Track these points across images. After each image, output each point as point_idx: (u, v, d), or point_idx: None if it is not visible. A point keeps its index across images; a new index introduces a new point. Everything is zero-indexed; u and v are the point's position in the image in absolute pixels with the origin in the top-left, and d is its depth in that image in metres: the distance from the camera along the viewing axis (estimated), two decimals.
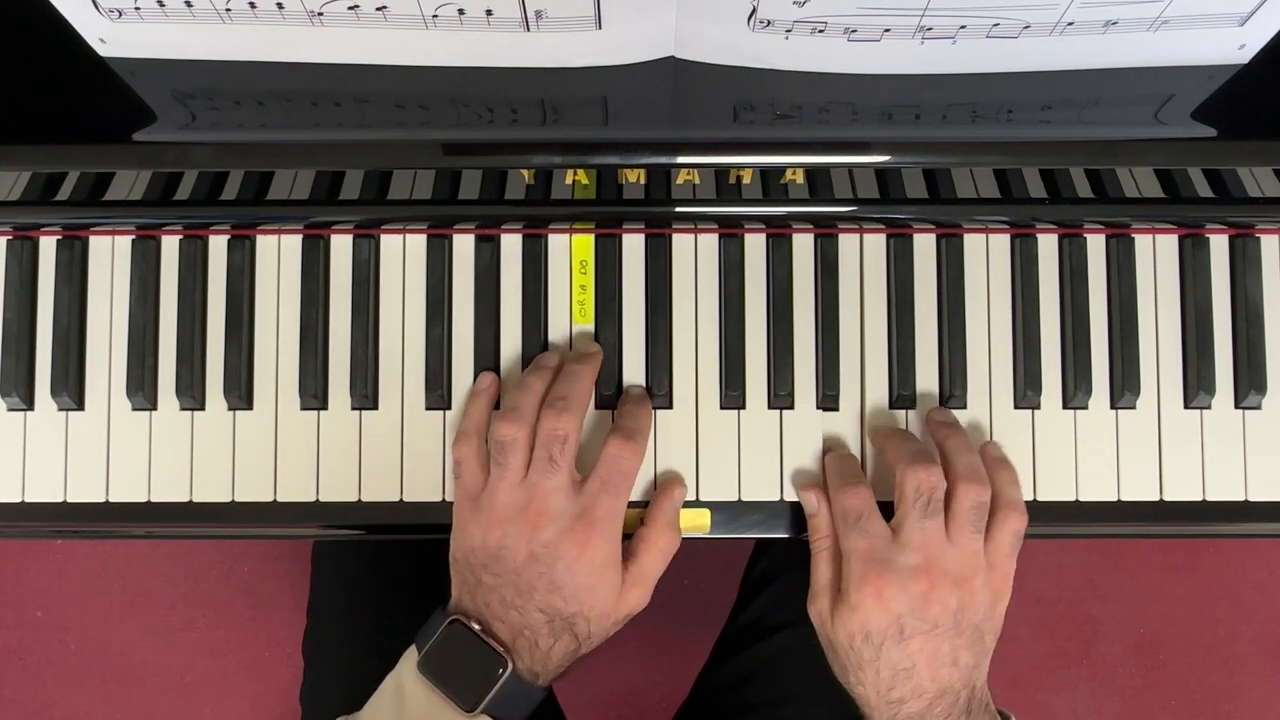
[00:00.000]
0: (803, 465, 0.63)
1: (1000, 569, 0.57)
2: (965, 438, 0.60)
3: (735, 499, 0.63)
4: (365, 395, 0.63)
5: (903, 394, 0.63)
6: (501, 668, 0.55)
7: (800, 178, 0.60)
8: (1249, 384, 0.63)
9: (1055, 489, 0.63)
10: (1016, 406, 0.63)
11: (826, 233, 0.64)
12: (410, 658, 0.57)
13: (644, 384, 0.63)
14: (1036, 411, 0.64)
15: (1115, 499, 0.63)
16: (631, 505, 0.59)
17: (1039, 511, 0.63)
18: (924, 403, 0.64)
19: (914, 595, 0.54)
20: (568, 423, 0.57)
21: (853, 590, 0.55)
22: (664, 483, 0.62)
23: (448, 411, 0.63)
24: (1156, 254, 0.64)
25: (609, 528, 0.57)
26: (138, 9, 0.52)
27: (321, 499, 0.63)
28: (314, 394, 0.63)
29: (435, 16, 0.52)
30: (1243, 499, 0.63)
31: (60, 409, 0.63)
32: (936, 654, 0.55)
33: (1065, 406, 0.64)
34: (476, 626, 0.56)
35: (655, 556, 0.59)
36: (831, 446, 0.63)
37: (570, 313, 0.64)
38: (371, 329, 0.63)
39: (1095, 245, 0.64)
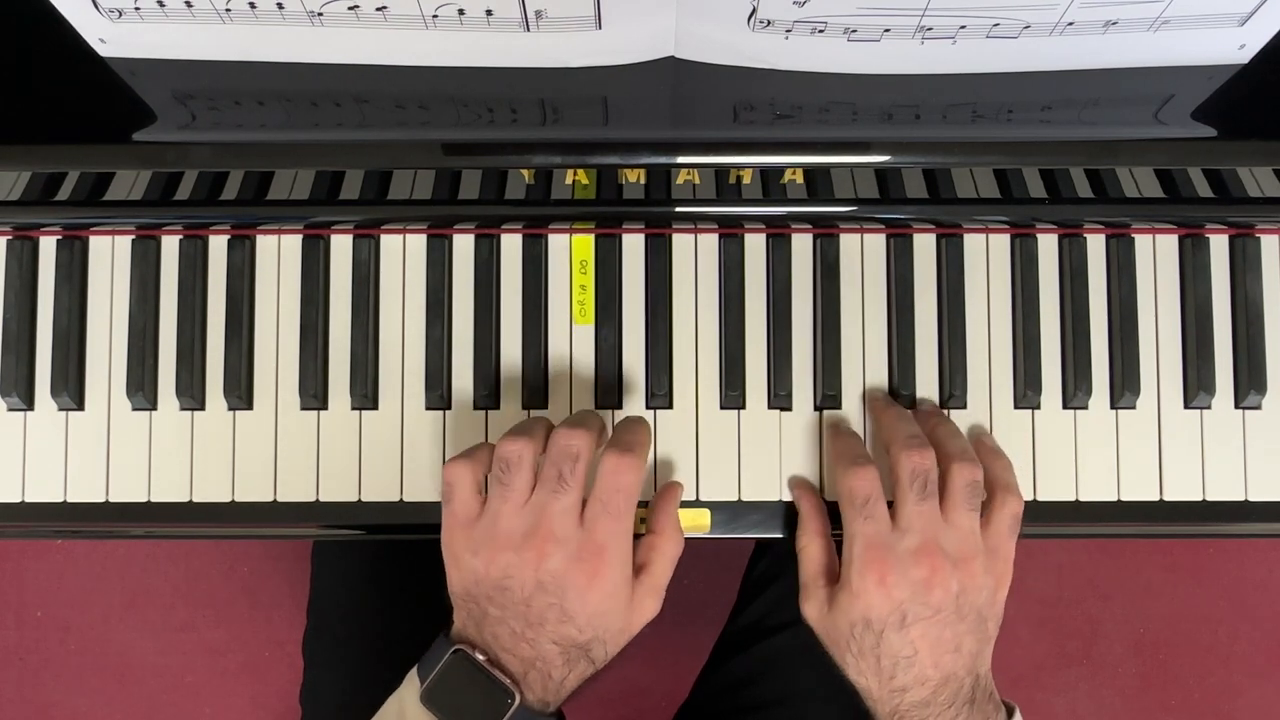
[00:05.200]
0: (803, 466, 0.63)
1: (1000, 553, 0.57)
2: (953, 425, 0.61)
3: (735, 499, 0.63)
4: (365, 395, 0.63)
5: (903, 394, 0.63)
6: (510, 699, 0.52)
7: (800, 178, 0.60)
8: (1249, 384, 0.63)
9: (1055, 489, 0.63)
10: (1016, 406, 0.63)
11: (826, 233, 0.64)
12: (413, 683, 0.55)
13: (644, 384, 0.63)
14: (1036, 411, 0.64)
15: (1115, 499, 0.63)
16: None
17: (1039, 511, 0.63)
18: (924, 404, 0.64)
19: (916, 581, 0.54)
20: (581, 439, 0.54)
21: (855, 577, 0.55)
22: (664, 487, 0.62)
23: (448, 411, 0.63)
24: (1156, 254, 0.64)
25: (617, 551, 0.54)
26: (138, 9, 0.52)
27: (321, 499, 0.63)
28: (314, 394, 0.63)
29: (435, 17, 0.52)
30: (1243, 499, 0.63)
31: (60, 409, 0.63)
32: (939, 640, 0.54)
33: (1065, 406, 0.63)
34: (481, 657, 0.53)
35: (665, 564, 0.58)
36: (835, 422, 0.63)
37: (570, 313, 0.64)
38: (371, 329, 0.63)
39: (1095, 245, 0.64)
